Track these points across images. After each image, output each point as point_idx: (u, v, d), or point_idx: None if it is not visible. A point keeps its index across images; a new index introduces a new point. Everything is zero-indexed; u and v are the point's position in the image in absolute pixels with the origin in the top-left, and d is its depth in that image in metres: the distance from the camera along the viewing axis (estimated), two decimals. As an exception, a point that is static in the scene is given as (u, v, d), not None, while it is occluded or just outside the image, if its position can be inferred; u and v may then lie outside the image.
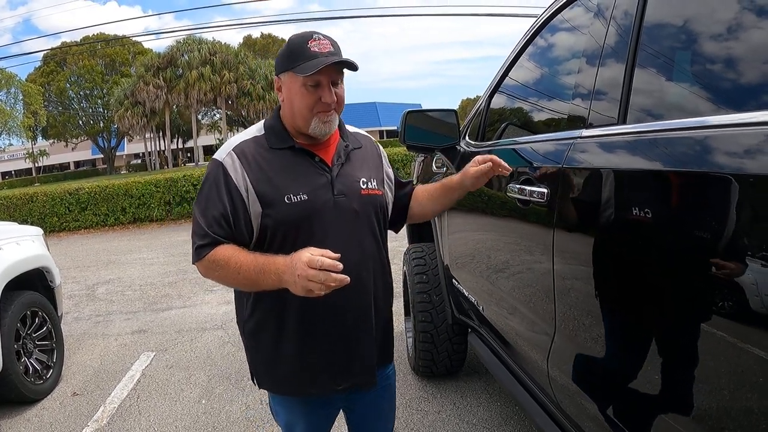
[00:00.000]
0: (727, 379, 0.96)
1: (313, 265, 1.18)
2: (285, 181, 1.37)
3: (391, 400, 1.71)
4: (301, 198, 1.36)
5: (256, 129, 1.47)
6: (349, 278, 1.19)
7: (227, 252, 1.33)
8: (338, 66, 1.34)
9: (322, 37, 1.34)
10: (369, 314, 1.47)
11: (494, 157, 1.54)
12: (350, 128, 1.58)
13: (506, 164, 1.54)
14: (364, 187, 1.45)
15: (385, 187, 1.57)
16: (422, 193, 1.67)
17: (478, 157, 1.56)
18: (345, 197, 1.41)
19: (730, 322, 0.96)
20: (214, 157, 1.42)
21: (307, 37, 1.34)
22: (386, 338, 1.59)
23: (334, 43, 1.36)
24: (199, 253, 1.35)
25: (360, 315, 1.45)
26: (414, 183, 1.73)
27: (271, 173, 1.37)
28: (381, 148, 1.64)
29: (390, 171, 1.63)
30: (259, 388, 1.55)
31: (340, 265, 1.18)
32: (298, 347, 1.43)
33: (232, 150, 1.40)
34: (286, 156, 1.41)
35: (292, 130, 1.43)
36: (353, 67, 1.36)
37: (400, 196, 1.65)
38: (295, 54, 1.34)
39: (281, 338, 1.43)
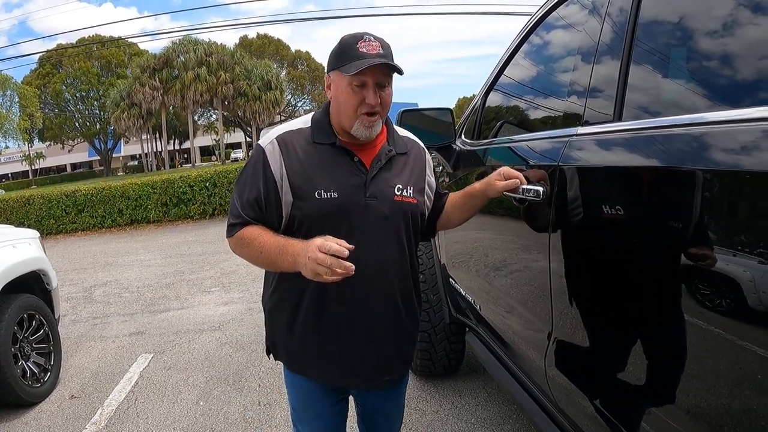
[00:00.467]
0: (724, 377, 0.96)
1: (324, 250, 1.21)
2: (319, 176, 1.40)
3: (399, 402, 1.72)
4: (331, 195, 1.38)
5: (303, 121, 1.50)
6: (354, 267, 1.21)
7: (254, 232, 1.40)
8: (383, 68, 1.35)
9: (372, 39, 1.35)
10: (383, 319, 1.46)
11: (521, 175, 1.55)
12: (402, 132, 1.58)
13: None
14: (398, 193, 1.45)
15: (425, 196, 1.56)
16: (447, 202, 1.67)
17: (504, 170, 1.56)
18: (376, 200, 1.42)
19: (729, 320, 0.95)
20: (258, 142, 1.47)
21: (358, 37, 1.36)
22: (403, 347, 1.56)
23: (384, 46, 1.37)
24: (231, 230, 1.44)
25: (374, 319, 1.45)
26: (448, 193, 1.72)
27: (307, 166, 1.41)
28: (429, 157, 1.63)
29: (433, 181, 1.61)
30: (275, 360, 1.61)
31: (346, 252, 1.20)
32: (308, 336, 1.47)
33: (275, 138, 1.45)
34: (326, 152, 1.43)
35: (338, 127, 1.45)
36: (398, 70, 1.37)
37: (437, 206, 1.65)
38: (344, 53, 1.36)
39: (294, 323, 1.48)
